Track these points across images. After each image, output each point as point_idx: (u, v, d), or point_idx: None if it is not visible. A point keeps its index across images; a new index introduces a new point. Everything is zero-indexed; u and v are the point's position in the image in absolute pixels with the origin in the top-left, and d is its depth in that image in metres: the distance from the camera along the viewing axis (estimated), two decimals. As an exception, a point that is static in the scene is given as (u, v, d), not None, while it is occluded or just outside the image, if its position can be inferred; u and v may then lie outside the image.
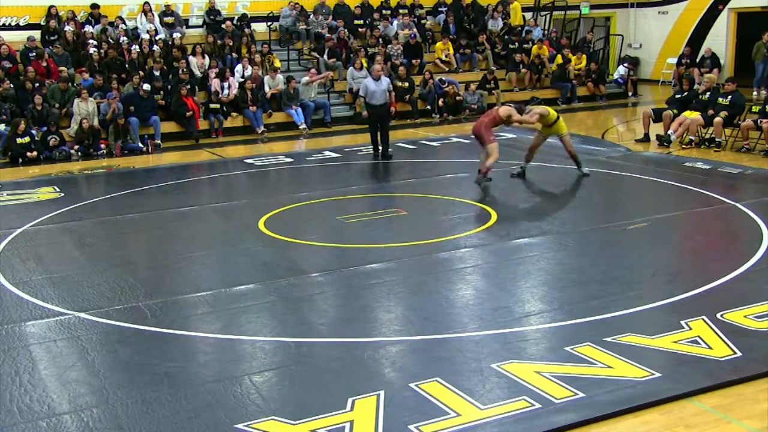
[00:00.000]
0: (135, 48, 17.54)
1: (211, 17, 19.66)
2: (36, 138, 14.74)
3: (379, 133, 13.93)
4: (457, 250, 8.37)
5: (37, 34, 17.77)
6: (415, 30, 20.60)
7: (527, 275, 7.55)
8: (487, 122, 11.43)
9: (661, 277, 7.33)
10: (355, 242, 8.87)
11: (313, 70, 18.26)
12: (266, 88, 17.66)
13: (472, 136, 11.95)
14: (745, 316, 6.15)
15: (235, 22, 19.60)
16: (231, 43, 18.69)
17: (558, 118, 11.62)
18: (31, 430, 4.86)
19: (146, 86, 15.90)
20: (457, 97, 18.75)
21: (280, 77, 17.80)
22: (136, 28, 18.79)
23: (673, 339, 5.79)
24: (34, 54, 16.73)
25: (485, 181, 11.27)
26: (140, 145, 15.60)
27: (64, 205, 11.02)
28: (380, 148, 13.90)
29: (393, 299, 7.06)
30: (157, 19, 18.95)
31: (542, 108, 11.87)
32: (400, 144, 14.66)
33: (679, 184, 11.03)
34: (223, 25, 19.18)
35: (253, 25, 20.10)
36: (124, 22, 18.75)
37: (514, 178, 11.69)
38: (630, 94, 21.52)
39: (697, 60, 21.31)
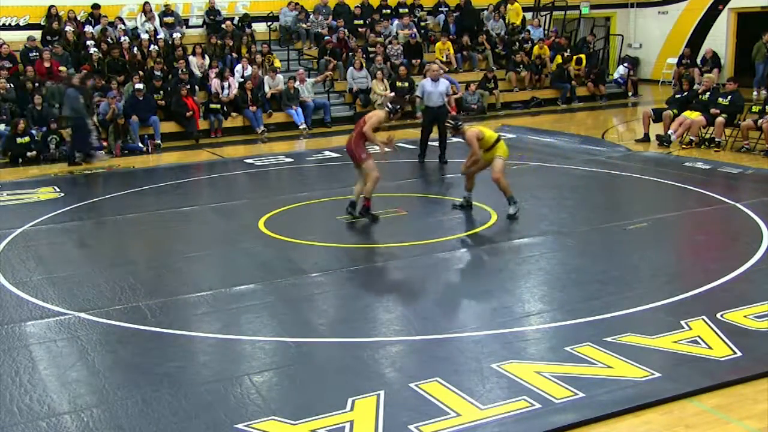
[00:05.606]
0: (135, 48, 17.52)
1: (211, 17, 19.65)
2: (36, 138, 14.73)
3: (435, 136, 13.16)
4: (457, 250, 8.37)
5: (37, 34, 17.75)
6: (415, 30, 20.60)
7: (527, 275, 7.55)
8: (356, 136, 9.26)
9: (661, 277, 7.33)
10: (355, 242, 8.87)
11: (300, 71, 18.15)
12: (266, 88, 17.65)
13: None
14: (745, 316, 6.16)
15: (235, 22, 19.59)
16: (231, 43, 18.67)
17: (499, 139, 9.39)
18: (31, 430, 4.86)
19: (139, 86, 15.86)
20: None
21: (280, 77, 17.79)
22: (136, 28, 18.79)
23: (673, 339, 5.79)
24: (35, 54, 16.73)
25: (370, 218, 9.31)
26: (140, 145, 15.58)
27: (64, 205, 11.01)
28: (426, 151, 13.28)
29: (393, 299, 7.06)
30: (157, 19, 18.95)
31: (475, 131, 9.27)
32: (400, 144, 14.61)
33: (679, 184, 11.03)
34: (223, 25, 19.16)
35: (253, 25, 20.09)
36: (123, 23, 18.76)
37: (457, 209, 9.80)
38: (630, 94, 21.52)
39: (698, 60, 21.30)
